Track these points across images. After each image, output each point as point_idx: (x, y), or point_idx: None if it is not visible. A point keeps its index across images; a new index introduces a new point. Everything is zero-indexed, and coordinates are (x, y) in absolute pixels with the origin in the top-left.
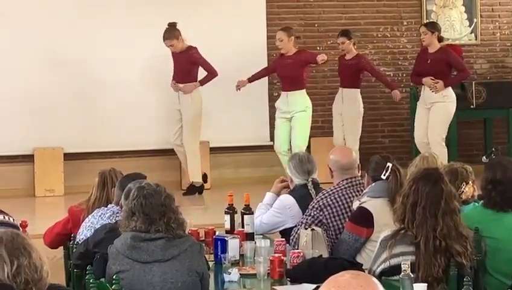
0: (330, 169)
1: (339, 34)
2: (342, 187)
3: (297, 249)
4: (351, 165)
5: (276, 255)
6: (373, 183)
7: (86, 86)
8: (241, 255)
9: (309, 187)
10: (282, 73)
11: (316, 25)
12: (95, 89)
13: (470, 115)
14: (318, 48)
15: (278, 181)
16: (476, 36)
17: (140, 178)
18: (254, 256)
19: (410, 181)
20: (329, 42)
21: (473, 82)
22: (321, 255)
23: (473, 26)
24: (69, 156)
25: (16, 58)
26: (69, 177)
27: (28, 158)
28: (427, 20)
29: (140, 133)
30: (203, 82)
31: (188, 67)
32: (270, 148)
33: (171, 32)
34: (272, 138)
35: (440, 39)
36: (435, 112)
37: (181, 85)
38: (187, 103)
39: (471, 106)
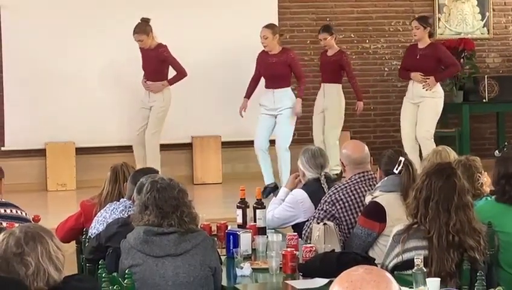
0: (342, 163)
1: (320, 30)
2: (354, 181)
3: (310, 243)
4: (363, 160)
5: (289, 249)
6: (385, 178)
7: (97, 80)
8: (253, 250)
9: (322, 181)
10: (267, 72)
11: (328, 19)
12: (106, 84)
13: (482, 109)
14: None
15: (293, 177)
16: (488, 30)
17: (152, 172)
18: (266, 250)
19: (423, 175)
20: (341, 36)
21: (486, 76)
22: (333, 250)
23: (485, 20)
24: (80, 151)
25: (28, 56)
26: (81, 172)
27: (40, 153)
28: (419, 15)
29: None
30: (171, 82)
31: (158, 65)
32: None
33: (142, 27)
34: None
35: (430, 35)
36: (424, 108)
37: (149, 83)
38: (158, 99)
39: (484, 100)
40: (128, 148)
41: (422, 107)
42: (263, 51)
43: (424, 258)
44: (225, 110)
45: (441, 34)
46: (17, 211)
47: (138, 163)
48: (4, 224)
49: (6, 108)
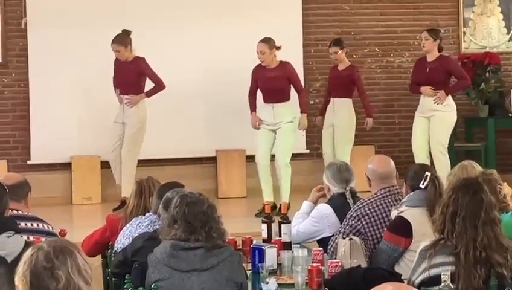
0: (368, 178)
1: (331, 43)
2: (380, 196)
3: (335, 258)
4: (389, 174)
5: (314, 264)
6: (411, 193)
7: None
8: (279, 265)
9: (347, 196)
10: (265, 86)
11: (353, 33)
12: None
13: (508, 123)
14: (354, 56)
15: (315, 190)
16: None
17: (178, 187)
18: (292, 265)
19: (449, 191)
20: (365, 50)
21: (511, 90)
22: (359, 265)
23: (511, 33)
24: (106, 164)
25: (54, 71)
26: (106, 186)
27: (66, 166)
28: (434, 28)
29: (176, 141)
30: (149, 94)
31: (135, 78)
32: (307, 156)
33: (121, 38)
34: (308, 146)
35: (440, 48)
36: (436, 122)
37: (127, 97)
38: (133, 114)
39: (509, 114)
40: (154, 162)
41: (433, 121)
42: (259, 65)
43: (451, 274)
44: (249, 124)
45: (466, 48)
46: (43, 225)
47: (117, 179)
48: (31, 238)
49: (32, 122)
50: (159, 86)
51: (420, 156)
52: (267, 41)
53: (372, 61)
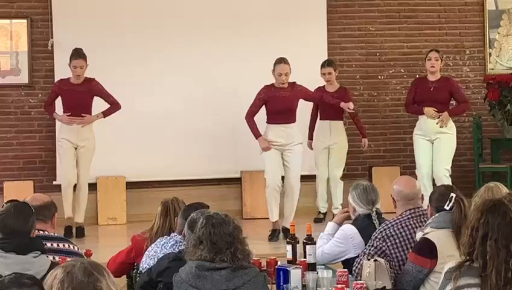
0: (393, 199)
1: (324, 64)
2: (405, 218)
3: (360, 280)
4: (414, 196)
5: (339, 285)
6: (436, 214)
7: (147, 115)
8: (304, 286)
9: (373, 217)
10: (278, 106)
11: (378, 54)
12: (156, 119)
13: None
14: (380, 77)
15: (341, 211)
16: None
17: (203, 208)
18: (316, 287)
19: (477, 213)
20: (391, 71)
21: None
22: (384, 287)
23: None
24: (131, 185)
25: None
26: (132, 206)
27: (91, 187)
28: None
29: (201, 162)
30: (106, 114)
31: (88, 99)
32: None
33: (83, 53)
34: None
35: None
36: (442, 145)
37: (79, 119)
38: (90, 138)
39: None
40: (178, 183)
41: (439, 144)
42: (271, 85)
43: None
44: None
45: (492, 70)
46: (69, 246)
47: (68, 212)
48: (57, 258)
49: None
50: (116, 106)
51: (426, 183)
52: (288, 62)
53: (397, 82)
